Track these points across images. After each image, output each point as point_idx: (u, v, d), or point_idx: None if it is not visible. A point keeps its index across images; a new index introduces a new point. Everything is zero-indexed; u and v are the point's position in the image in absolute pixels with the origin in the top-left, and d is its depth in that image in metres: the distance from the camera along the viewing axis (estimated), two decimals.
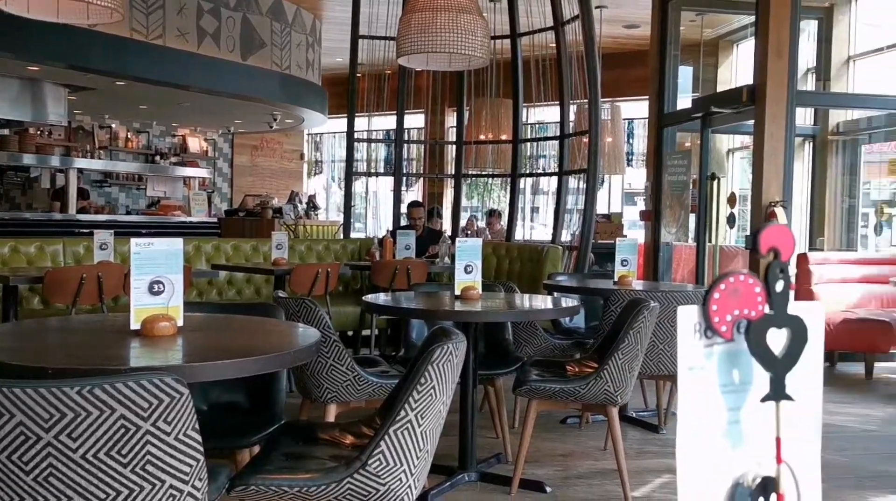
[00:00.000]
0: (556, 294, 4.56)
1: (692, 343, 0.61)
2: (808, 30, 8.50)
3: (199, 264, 6.26)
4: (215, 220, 11.34)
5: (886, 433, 4.61)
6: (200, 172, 13.07)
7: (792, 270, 0.62)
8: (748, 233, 7.46)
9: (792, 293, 0.63)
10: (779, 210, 6.21)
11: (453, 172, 8.68)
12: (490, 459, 3.75)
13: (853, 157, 8.51)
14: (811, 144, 8.46)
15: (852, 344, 5.98)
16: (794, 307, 0.63)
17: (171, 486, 1.61)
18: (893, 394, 5.58)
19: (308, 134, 16.00)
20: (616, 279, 4.58)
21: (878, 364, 6.17)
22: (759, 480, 0.62)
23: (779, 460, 0.61)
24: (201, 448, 1.65)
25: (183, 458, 1.61)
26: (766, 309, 0.62)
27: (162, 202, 12.16)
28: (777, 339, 0.62)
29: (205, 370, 1.91)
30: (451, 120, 11.78)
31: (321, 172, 16.66)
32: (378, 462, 2.05)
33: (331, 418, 3.29)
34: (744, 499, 0.62)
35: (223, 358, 1.95)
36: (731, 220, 7.58)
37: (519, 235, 8.64)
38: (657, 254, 7.75)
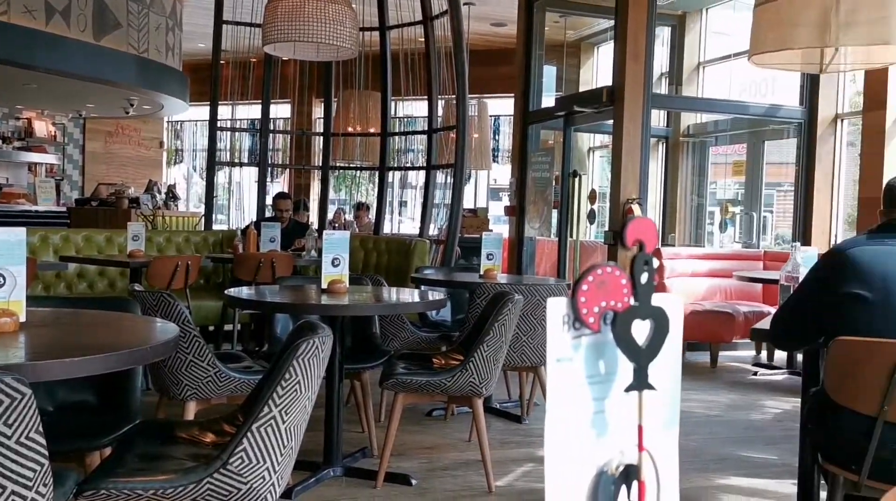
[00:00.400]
0: (423, 288, 4.59)
1: (561, 335, 0.62)
2: (663, 36, 8.93)
3: (46, 255, 5.87)
4: (64, 209, 10.67)
5: (729, 417, 4.92)
6: (48, 158, 12.27)
7: (655, 263, 0.64)
8: (607, 229, 7.77)
9: (654, 285, 0.65)
10: (635, 207, 6.51)
11: (321, 164, 8.56)
12: (356, 453, 3.72)
13: (701, 158, 9.03)
14: (664, 144, 8.90)
15: (699, 334, 6.34)
16: (657, 299, 0.65)
17: (12, 492, 1.49)
18: (736, 381, 5.97)
19: (168, 121, 15.34)
20: (482, 273, 4.65)
21: (722, 353, 6.58)
22: (622, 468, 0.63)
23: (640, 448, 0.62)
24: (46, 452, 1.54)
25: (25, 462, 1.50)
26: (632, 301, 0.63)
27: (4, 190, 11.32)
28: (641, 330, 0.64)
29: (49, 369, 1.79)
30: (318, 111, 11.61)
31: (182, 162, 16.03)
32: (240, 461, 1.98)
33: (190, 416, 3.17)
34: (608, 487, 0.63)
35: (71, 356, 1.83)
36: (591, 216, 7.88)
37: (387, 228, 8.63)
38: (521, 248, 7.95)
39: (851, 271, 2.22)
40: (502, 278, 4.80)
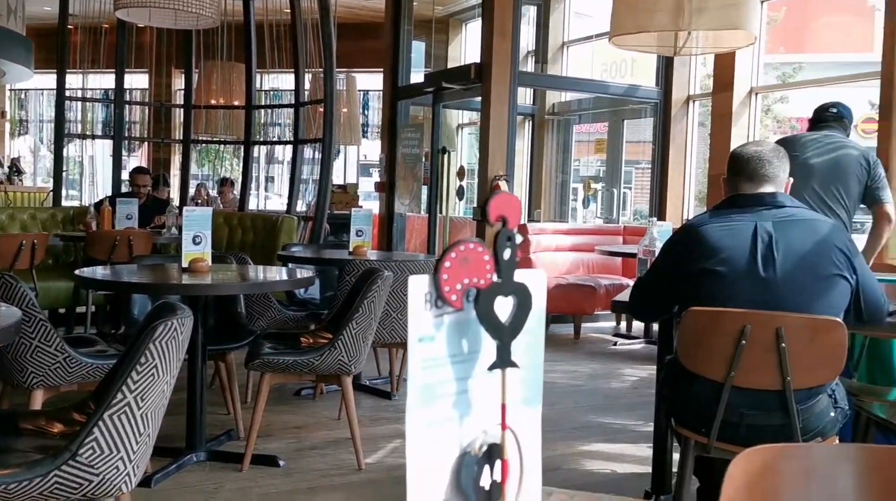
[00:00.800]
0: (290, 265, 4.50)
1: (422, 314, 0.60)
2: (529, 15, 9.08)
3: None
4: None
5: (591, 386, 5.11)
6: None
7: (519, 239, 0.62)
8: (476, 205, 7.87)
9: (517, 261, 0.64)
10: (502, 183, 6.61)
11: (181, 138, 8.20)
12: (221, 436, 3.61)
13: (566, 136, 9.28)
14: (531, 122, 9.08)
15: (563, 307, 6.55)
16: (520, 275, 0.64)
17: None
18: (597, 351, 6.21)
19: (10, 90, 14.26)
20: (351, 250, 4.61)
21: (584, 325, 6.82)
22: (485, 447, 0.62)
23: (504, 426, 0.61)
24: None
25: None
26: (495, 278, 0.62)
27: None
28: (504, 307, 0.62)
29: None
30: (179, 82, 11.09)
31: (27, 133, 14.97)
32: (91, 451, 1.87)
33: (37, 405, 2.96)
34: (471, 468, 0.61)
35: None
36: (460, 192, 7.95)
37: (253, 204, 8.40)
38: (391, 224, 7.93)
39: (700, 246, 2.33)
40: (372, 254, 4.77)
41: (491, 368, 0.62)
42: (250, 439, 3.27)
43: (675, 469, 2.58)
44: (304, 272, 3.82)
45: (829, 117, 3.99)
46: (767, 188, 2.36)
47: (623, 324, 7.14)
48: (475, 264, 0.62)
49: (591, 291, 6.48)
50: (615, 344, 6.52)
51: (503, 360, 0.63)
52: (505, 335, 0.63)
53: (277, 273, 3.98)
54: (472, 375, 0.63)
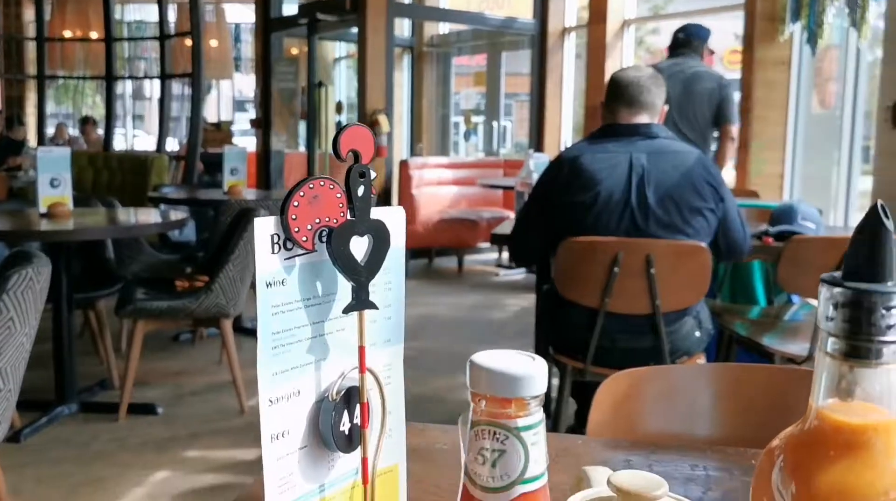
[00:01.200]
0: (163, 207, 4.32)
1: (270, 257, 0.56)
2: None
3: None
4: None
5: (474, 317, 5.20)
6: None
7: (373, 174, 0.59)
8: None
9: (374, 198, 0.61)
10: (382, 118, 6.52)
11: (36, 74, 7.63)
12: (94, 387, 3.48)
13: (445, 68, 9.21)
14: (410, 55, 8.95)
15: (446, 241, 6.60)
16: (376, 213, 0.61)
17: None
18: (480, 283, 6.31)
19: None
20: (226, 189, 4.45)
21: (467, 257, 6.91)
22: (343, 392, 0.60)
23: (362, 369, 0.59)
24: None
25: None
26: (348, 216, 0.59)
27: None
28: (359, 247, 0.60)
29: None
30: (29, 13, 10.26)
31: None
32: None
33: None
34: (328, 413, 0.59)
35: None
36: (338, 127, 7.80)
37: (119, 144, 7.98)
38: (268, 162, 7.71)
39: (576, 179, 2.36)
40: (249, 193, 4.62)
41: (347, 310, 0.60)
42: (125, 388, 3.16)
43: (554, 395, 2.67)
44: (176, 214, 3.67)
45: (679, 42, 4.10)
46: (643, 118, 2.40)
47: (505, 255, 7.27)
48: (326, 202, 0.59)
49: (474, 224, 6.55)
50: (498, 275, 6.64)
51: (360, 301, 0.60)
52: (361, 275, 0.60)
53: (147, 216, 3.81)
54: (327, 318, 0.61)
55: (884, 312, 0.36)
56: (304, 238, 0.58)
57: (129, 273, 3.96)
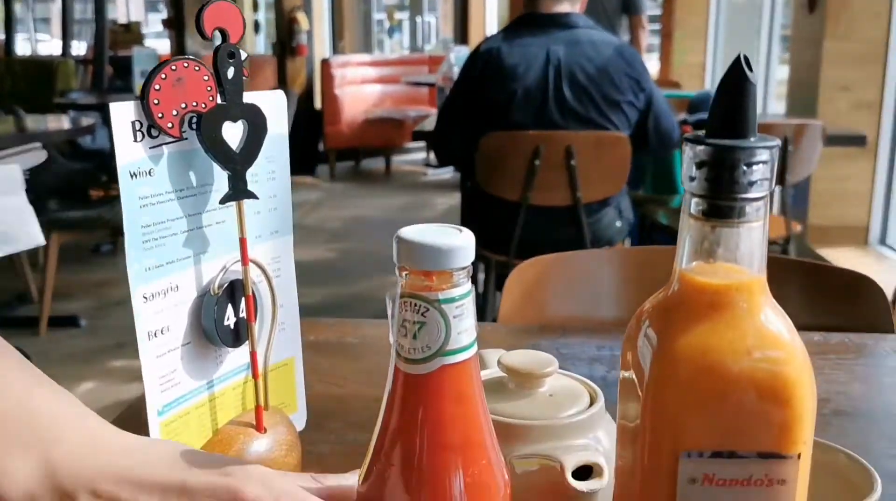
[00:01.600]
0: (71, 113, 4.13)
1: (132, 146, 0.52)
2: None
3: None
4: None
5: (402, 218, 5.19)
6: None
7: (243, 55, 0.56)
8: (275, 40, 7.45)
9: (247, 80, 0.57)
10: (300, 15, 6.28)
11: None
12: (12, 302, 3.37)
13: None
14: None
15: (373, 141, 6.50)
16: (251, 97, 0.57)
17: None
18: (408, 184, 6.27)
19: None
20: (137, 93, 4.25)
21: (395, 158, 6.83)
22: (225, 285, 0.58)
23: (245, 262, 0.57)
24: None
25: None
26: (219, 100, 0.55)
27: None
28: (233, 133, 0.56)
29: None
30: None
31: None
32: None
33: None
34: (210, 307, 0.57)
35: None
36: (255, 27, 7.49)
37: (22, 49, 7.52)
38: None
39: (495, 73, 2.31)
40: None
41: (224, 200, 0.57)
42: (45, 301, 3.08)
43: (480, 290, 2.70)
44: (87, 120, 3.52)
45: None
46: (563, 7, 2.34)
47: (433, 155, 7.21)
48: (192, 85, 0.55)
49: (399, 123, 6.45)
50: (426, 175, 6.60)
51: (238, 191, 0.57)
52: (237, 163, 0.57)
53: (58, 122, 3.64)
54: (205, 210, 0.58)
55: (745, 168, 0.35)
56: (170, 124, 0.54)
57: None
